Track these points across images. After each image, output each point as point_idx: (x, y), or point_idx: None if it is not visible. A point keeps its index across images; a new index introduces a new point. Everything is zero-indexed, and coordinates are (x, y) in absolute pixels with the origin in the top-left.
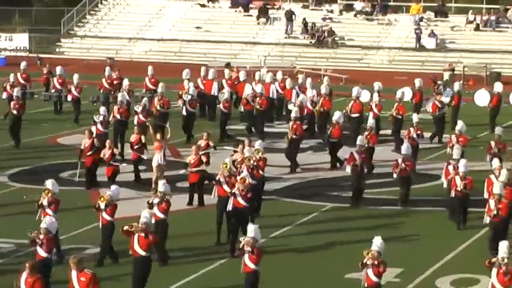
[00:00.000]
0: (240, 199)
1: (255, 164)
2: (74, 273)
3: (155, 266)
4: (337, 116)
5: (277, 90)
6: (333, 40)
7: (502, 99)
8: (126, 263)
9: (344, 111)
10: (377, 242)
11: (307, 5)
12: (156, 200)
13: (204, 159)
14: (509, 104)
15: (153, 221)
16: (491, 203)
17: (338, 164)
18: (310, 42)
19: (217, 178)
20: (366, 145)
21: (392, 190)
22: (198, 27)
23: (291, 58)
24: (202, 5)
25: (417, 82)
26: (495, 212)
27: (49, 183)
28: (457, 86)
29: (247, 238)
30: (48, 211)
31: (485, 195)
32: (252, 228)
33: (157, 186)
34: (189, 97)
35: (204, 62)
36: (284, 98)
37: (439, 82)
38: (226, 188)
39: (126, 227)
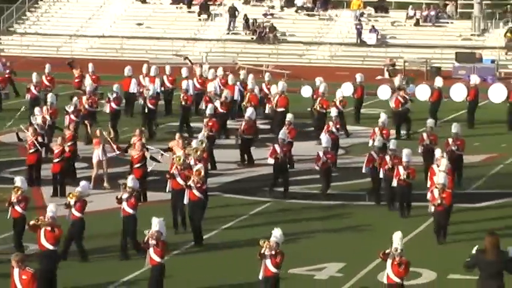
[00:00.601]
0: (195, 191)
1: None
2: (16, 271)
3: (105, 260)
4: (249, 112)
5: (219, 87)
6: (274, 36)
7: (443, 94)
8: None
9: (270, 106)
10: (276, 233)
11: (249, 0)
12: (125, 195)
13: (147, 155)
14: (449, 98)
15: (121, 215)
16: (435, 192)
17: (245, 162)
18: (252, 38)
19: (170, 172)
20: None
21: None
22: (139, 24)
23: (233, 54)
24: (143, 1)
25: (358, 77)
26: (439, 201)
27: (18, 181)
28: (397, 81)
29: (152, 231)
30: (18, 208)
31: (428, 185)
32: (156, 222)
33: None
34: (115, 95)
35: (145, 59)
36: None
37: (403, 79)
38: (180, 181)
39: (32, 222)
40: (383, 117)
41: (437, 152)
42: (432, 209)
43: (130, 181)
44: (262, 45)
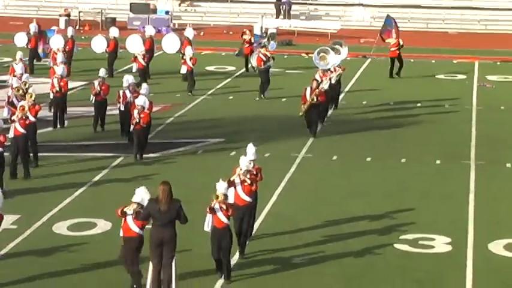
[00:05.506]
0: (17, 126)
1: None
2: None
3: None
4: None
5: None
6: None
7: (119, 44)
8: None
9: None
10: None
11: None
12: None
13: None
14: (125, 49)
15: None
16: (135, 112)
17: None
18: None
19: None
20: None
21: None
22: None
23: None
24: None
25: (32, 27)
26: (137, 120)
27: None
28: (70, 31)
29: None
30: None
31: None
32: None
33: None
34: None
35: None
36: None
37: (264, 38)
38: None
39: None
40: (102, 72)
41: (130, 78)
42: (132, 127)
43: None
44: None
